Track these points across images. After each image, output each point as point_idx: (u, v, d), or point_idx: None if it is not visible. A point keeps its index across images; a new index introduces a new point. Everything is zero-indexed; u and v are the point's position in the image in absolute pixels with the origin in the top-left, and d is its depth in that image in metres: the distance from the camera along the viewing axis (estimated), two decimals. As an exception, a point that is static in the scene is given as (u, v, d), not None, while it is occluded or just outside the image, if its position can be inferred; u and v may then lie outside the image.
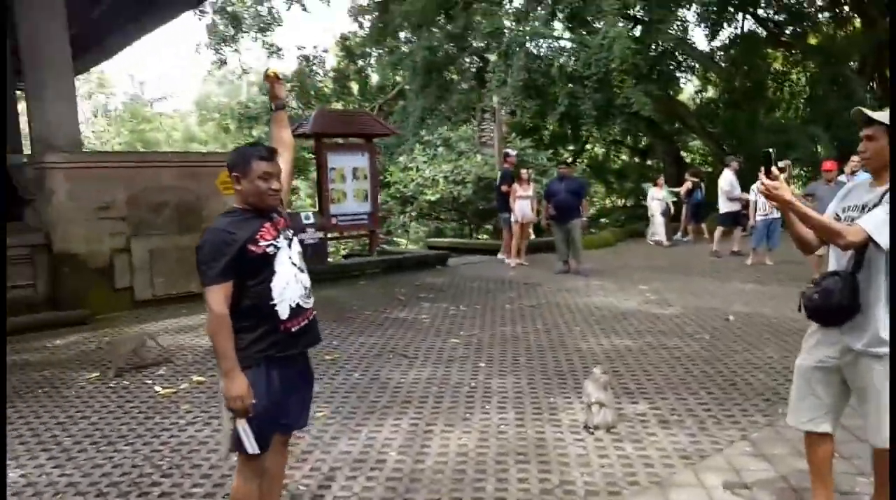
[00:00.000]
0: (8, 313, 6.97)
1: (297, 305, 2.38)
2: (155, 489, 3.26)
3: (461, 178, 13.18)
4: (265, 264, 2.31)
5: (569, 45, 16.21)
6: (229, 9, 23.45)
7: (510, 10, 17.34)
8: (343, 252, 12.75)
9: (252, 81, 24.04)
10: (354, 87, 25.57)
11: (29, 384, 5.09)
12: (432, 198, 13.60)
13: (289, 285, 2.35)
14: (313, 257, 8.74)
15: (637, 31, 15.96)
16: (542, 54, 16.68)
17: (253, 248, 2.28)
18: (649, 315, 7.02)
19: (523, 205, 10.52)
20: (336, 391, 4.71)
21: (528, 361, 5.38)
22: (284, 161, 2.61)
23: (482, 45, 18.41)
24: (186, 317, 7.41)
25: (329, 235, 10.36)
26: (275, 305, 2.32)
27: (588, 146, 23.01)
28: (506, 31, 16.63)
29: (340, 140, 10.67)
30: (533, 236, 12.12)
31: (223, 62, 24.34)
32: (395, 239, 15.55)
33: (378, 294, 8.63)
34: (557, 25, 17.18)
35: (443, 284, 9.33)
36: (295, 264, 2.41)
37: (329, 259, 10.24)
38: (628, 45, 12.80)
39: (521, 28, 16.36)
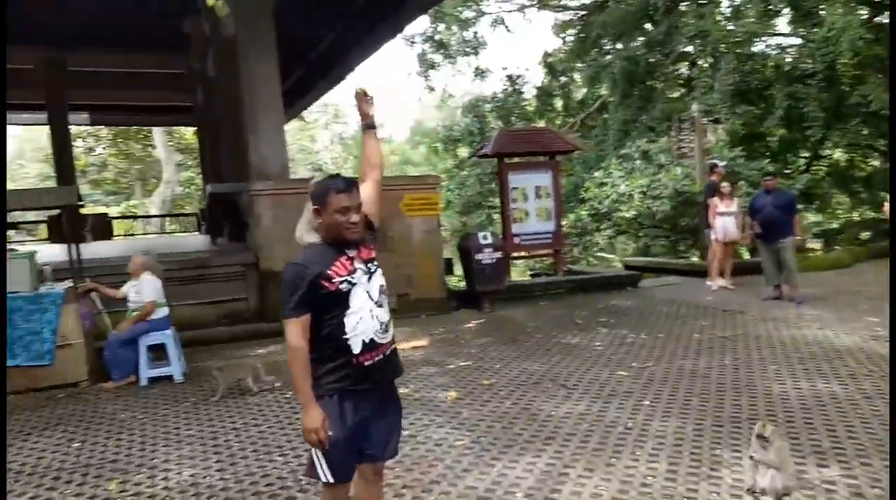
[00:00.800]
0: (225, 322, 7.99)
1: (371, 340, 2.36)
2: (286, 505, 3.42)
3: (658, 193, 12.34)
4: (338, 300, 2.31)
5: (787, 41, 14.45)
6: (437, 37, 24.85)
7: (720, 11, 15.94)
8: (530, 272, 12.63)
9: (456, 105, 25.05)
10: (558, 103, 25.49)
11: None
12: (628, 214, 12.92)
13: (363, 320, 2.34)
14: (491, 277, 8.75)
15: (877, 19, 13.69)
16: (754, 53, 15.08)
17: (325, 284, 2.29)
18: (872, 355, 5.86)
19: (726, 221, 9.51)
20: (483, 419, 4.59)
21: (701, 402, 4.78)
22: (372, 181, 2.67)
23: (687, 49, 17.21)
24: (370, 332, 7.84)
25: (512, 255, 10.32)
26: (348, 339, 2.32)
27: (828, 152, 20.09)
28: (714, 31, 15.35)
29: (523, 159, 10.60)
30: (747, 256, 10.86)
31: (432, 88, 25.85)
32: (589, 257, 15.04)
33: (556, 316, 8.36)
34: (776, 21, 15.43)
35: (628, 307, 8.76)
36: (372, 299, 2.39)
37: (509, 279, 10.17)
38: (860, 34, 11.02)
39: (731, 27, 14.96)
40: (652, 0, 18.73)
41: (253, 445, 4.29)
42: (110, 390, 5.71)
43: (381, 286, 2.45)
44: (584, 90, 24.97)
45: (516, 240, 10.14)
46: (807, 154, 18.62)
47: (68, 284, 6.02)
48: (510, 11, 25.59)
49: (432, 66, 25.34)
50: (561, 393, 5.15)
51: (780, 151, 18.50)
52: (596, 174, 15.11)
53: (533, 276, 11.83)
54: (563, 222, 15.31)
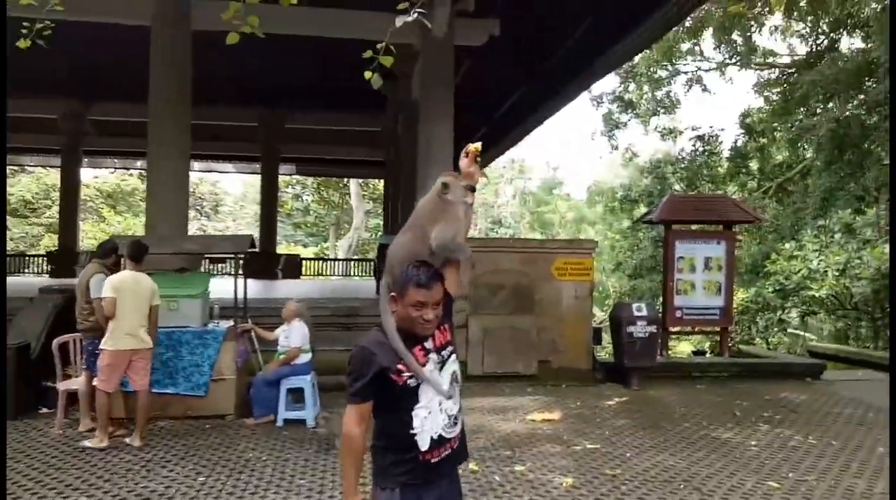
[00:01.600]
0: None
1: (440, 436, 2.22)
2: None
3: (858, 272, 10.77)
4: (406, 394, 2.18)
5: None
6: (626, 96, 24.42)
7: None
8: (692, 349, 11.59)
9: (638, 165, 24.29)
10: (753, 166, 23.68)
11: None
12: (819, 293, 11.42)
13: (431, 415, 2.21)
14: (641, 352, 8.17)
15: None
16: None
17: (393, 377, 2.16)
18: None
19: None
20: (592, 516, 4.21)
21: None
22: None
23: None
24: (507, 397, 7.65)
25: (671, 330, 9.58)
26: (414, 435, 2.19)
27: None
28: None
29: (693, 227, 9.87)
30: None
31: (615, 147, 25.36)
32: (770, 338, 13.47)
33: (711, 404, 7.54)
34: None
35: (800, 403, 7.65)
36: (442, 392, 2.24)
37: (666, 356, 9.42)
38: None
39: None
40: (874, 55, 16.89)
41: None
42: (250, 426, 6.15)
43: (454, 374, 2.29)
44: (785, 153, 23.01)
45: (678, 314, 9.41)
46: None
47: (230, 323, 6.64)
48: (708, 70, 24.48)
49: (618, 125, 24.93)
50: (693, 498, 4.58)
51: None
52: (786, 246, 13.62)
53: (695, 354, 10.84)
54: (743, 297, 14.00)
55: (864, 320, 12.49)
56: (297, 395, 6.38)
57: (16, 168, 29.92)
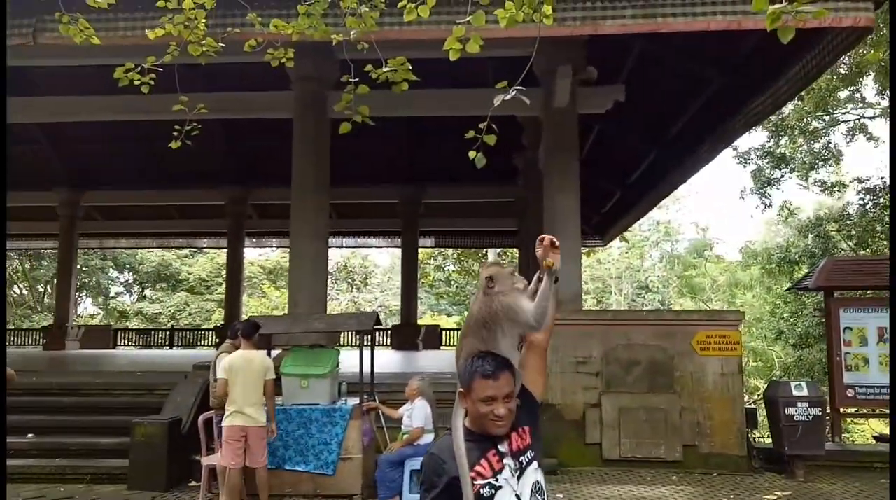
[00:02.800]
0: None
1: None
2: None
3: None
4: None
5: None
6: (777, 151, 22.77)
7: None
8: (874, 435, 10.00)
9: (798, 223, 22.27)
10: (939, 215, 20.88)
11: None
12: None
13: None
14: (804, 438, 7.19)
15: None
16: None
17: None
18: None
19: None
20: None
21: None
22: (538, 345, 2.18)
23: None
24: (648, 486, 7.03)
25: (841, 411, 8.40)
26: None
27: None
28: None
29: (859, 293, 8.73)
30: None
31: (768, 206, 23.54)
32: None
33: (897, 503, 6.40)
34: None
35: None
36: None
37: (840, 442, 8.22)
38: None
39: None
40: None
41: None
42: None
43: (536, 484, 2.04)
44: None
45: (849, 393, 8.25)
46: None
47: (356, 400, 6.76)
48: (873, 118, 22.30)
49: (770, 182, 23.23)
50: None
51: None
52: None
53: (877, 440, 9.34)
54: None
55: None
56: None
57: (195, 250, 33.64)
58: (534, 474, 2.04)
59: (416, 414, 6.29)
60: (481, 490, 1.94)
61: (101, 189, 18.55)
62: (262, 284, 36.48)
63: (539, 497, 2.04)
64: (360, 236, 24.88)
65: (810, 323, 17.31)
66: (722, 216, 59.86)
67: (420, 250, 24.25)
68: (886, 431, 10.34)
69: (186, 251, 34.10)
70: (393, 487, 6.22)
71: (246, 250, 21.79)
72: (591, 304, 35.35)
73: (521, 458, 2.03)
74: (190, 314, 33.25)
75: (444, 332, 22.99)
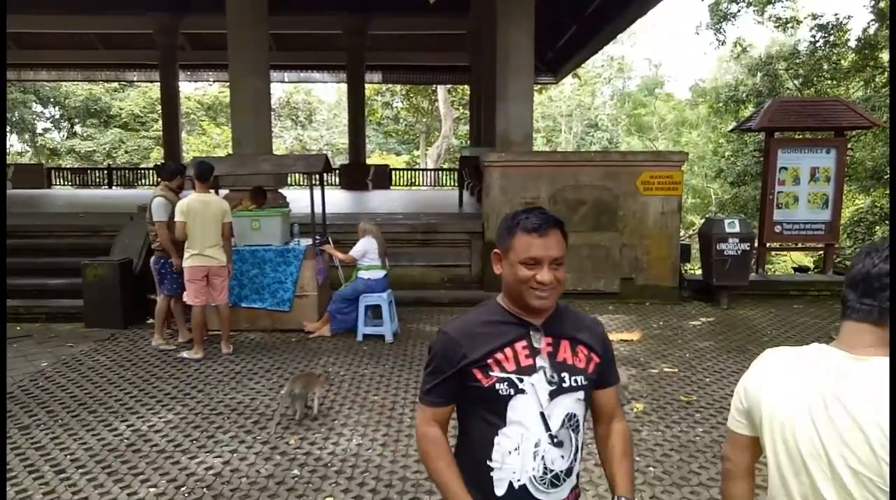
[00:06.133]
0: (448, 286, 8.39)
1: (524, 488, 1.54)
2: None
3: None
4: (492, 404, 1.54)
5: None
6: (735, -17, 22.05)
7: None
8: (793, 266, 10.85)
9: (750, 61, 22.17)
10: (884, 57, 21.09)
11: (423, 357, 6.01)
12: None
13: (519, 452, 1.54)
14: (732, 271, 7.75)
15: None
16: None
17: (478, 375, 1.54)
18: None
19: None
20: (660, 446, 4.14)
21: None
22: (618, 436, 1.71)
23: None
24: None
25: (769, 246, 9.00)
26: (491, 468, 1.56)
27: None
28: None
29: (798, 134, 8.99)
30: None
31: (722, 42, 23.19)
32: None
33: (806, 326, 7.13)
34: None
35: (910, 327, 7.08)
36: (546, 427, 1.54)
37: (763, 274, 8.88)
38: None
39: None
40: None
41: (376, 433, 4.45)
42: (311, 330, 6.48)
43: (571, 415, 1.57)
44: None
45: (777, 229, 8.78)
46: None
47: (309, 241, 6.84)
48: (832, -53, 21.51)
49: (726, 16, 22.70)
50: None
51: None
52: (914, 151, 12.26)
53: (796, 271, 10.15)
54: (860, 206, 12.87)
55: None
56: (376, 311, 6.58)
57: (124, 84, 31.49)
58: (575, 404, 1.58)
59: (355, 247, 6.41)
60: (497, 386, 1.52)
61: (13, 13, 16.74)
62: (202, 120, 34.92)
63: (572, 434, 1.57)
64: (303, 70, 23.64)
65: (749, 162, 17.92)
66: (676, 53, 59.05)
67: (367, 85, 23.35)
68: (806, 262, 11.25)
69: (115, 85, 31.90)
70: (346, 321, 6.52)
71: (181, 83, 20.52)
72: (541, 143, 35.45)
73: (564, 374, 1.57)
74: (126, 152, 31.92)
75: (393, 171, 22.91)
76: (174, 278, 6.10)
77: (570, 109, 37.56)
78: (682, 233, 14.84)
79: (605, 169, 8.22)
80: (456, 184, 16.74)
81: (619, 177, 8.14)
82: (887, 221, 11.76)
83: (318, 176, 7.08)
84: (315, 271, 6.70)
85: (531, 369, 1.55)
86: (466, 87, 24.57)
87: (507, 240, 1.59)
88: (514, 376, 1.53)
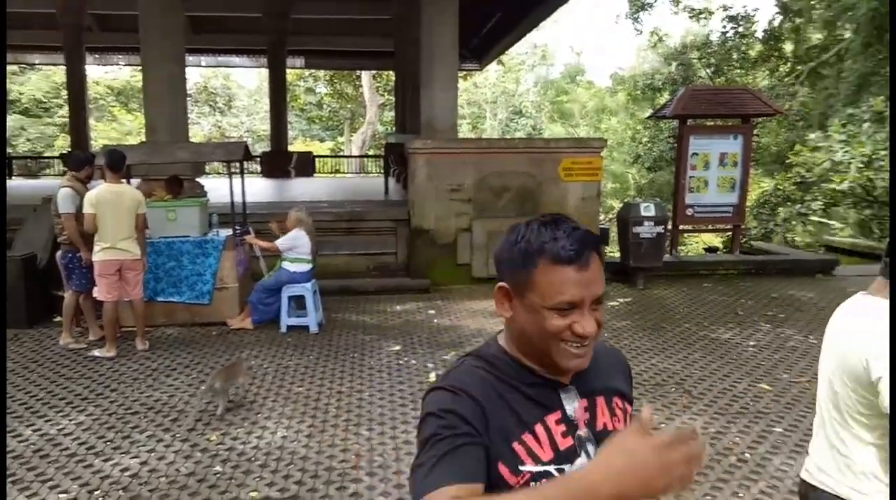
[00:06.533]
0: (374, 274, 8.37)
1: None
2: (240, 490, 3.51)
3: (883, 163, 10.33)
4: None
5: None
6: (653, -27, 22.76)
7: None
8: (704, 247, 11.44)
9: (666, 50, 23.00)
10: (787, 48, 22.35)
11: (349, 346, 5.99)
12: (840, 186, 11.04)
13: None
14: (647, 253, 8.08)
15: None
16: None
17: (504, 471, 1.06)
18: None
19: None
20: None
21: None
22: None
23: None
24: (511, 299, 7.69)
25: (682, 228, 9.41)
26: None
27: None
28: None
29: (710, 122, 9.43)
30: None
31: (639, 32, 24.00)
32: (787, 233, 13.24)
33: (715, 303, 7.53)
34: None
35: (807, 300, 7.61)
36: None
37: (677, 254, 9.30)
38: None
39: None
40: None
41: (348, 413, 4.46)
42: (231, 325, 6.33)
43: None
44: (821, 34, 21.59)
45: (689, 212, 9.19)
46: None
47: (229, 232, 6.64)
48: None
49: (643, 6, 23.45)
50: (682, 401, 4.65)
51: None
52: (812, 136, 13.08)
53: (706, 251, 10.69)
54: (764, 189, 13.65)
55: (885, 213, 12.18)
56: (299, 302, 6.48)
57: (25, 67, 29.48)
58: None
59: (283, 237, 6.28)
60: (531, 484, 1.06)
61: None
62: (112, 106, 33.14)
63: None
64: (222, 54, 22.81)
65: (664, 148, 18.64)
66: (597, 41, 60.56)
67: (289, 70, 22.79)
68: (716, 243, 11.84)
69: (16, 68, 29.82)
70: (268, 311, 6.39)
71: (89, 67, 19.42)
72: (467, 129, 35.66)
73: (604, 432, 1.15)
74: (28, 140, 29.95)
75: (317, 158, 22.51)
76: (83, 273, 5.79)
77: (495, 96, 37.91)
78: (602, 217, 15.34)
79: (529, 156, 8.37)
80: (382, 171, 16.62)
81: (543, 163, 8.31)
82: (789, 203, 12.53)
83: (237, 164, 6.88)
84: (235, 263, 6.52)
85: (572, 454, 1.11)
86: (392, 72, 24.43)
87: (521, 272, 1.08)
88: (553, 468, 1.08)
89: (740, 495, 3.39)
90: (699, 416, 4.40)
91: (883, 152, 10.38)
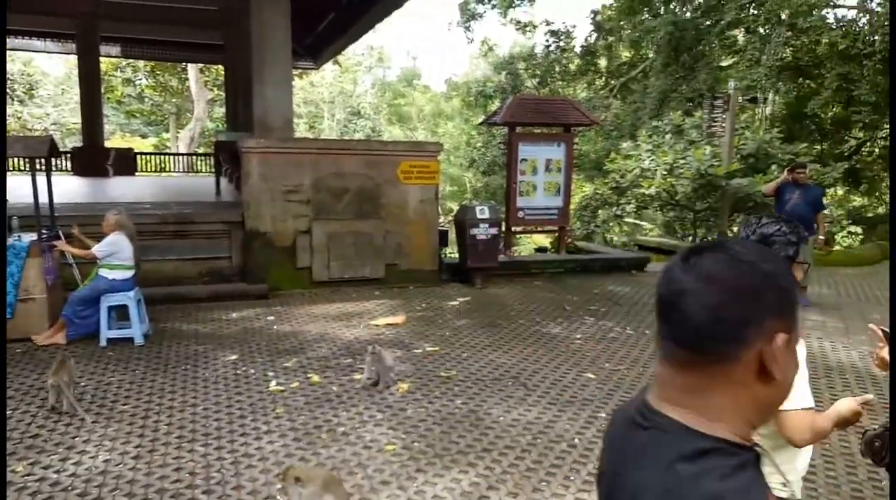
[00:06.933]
0: (206, 281, 7.90)
1: None
2: (182, 507, 3.28)
3: (682, 171, 11.71)
4: None
5: (848, 14, 13.40)
6: (482, -15, 23.77)
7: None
8: (535, 247, 12.23)
9: (496, 59, 24.19)
10: (602, 63, 24.45)
11: (180, 358, 5.60)
12: (649, 191, 12.34)
13: None
14: (484, 253, 8.45)
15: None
16: (809, 27, 14.05)
17: None
18: (864, 376, 5.46)
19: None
20: (424, 420, 4.38)
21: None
22: None
23: (737, 17, 16.17)
24: (353, 302, 7.65)
25: (514, 230, 9.95)
26: None
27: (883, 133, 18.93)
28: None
29: (536, 130, 10.07)
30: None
31: (471, 40, 24.97)
32: (606, 233, 14.52)
33: (545, 300, 8.05)
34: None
35: (623, 295, 8.38)
36: None
37: (510, 255, 9.82)
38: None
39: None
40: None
41: (180, 429, 4.16)
42: (39, 344, 5.67)
43: None
44: (629, 53, 23.91)
45: (520, 214, 9.74)
46: (860, 135, 17.56)
47: (34, 236, 5.92)
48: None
49: (474, 16, 24.44)
50: (518, 394, 4.91)
51: (827, 132, 17.46)
52: (624, 145, 14.44)
53: (537, 251, 11.43)
54: (585, 194, 14.83)
55: (686, 215, 13.78)
56: (122, 312, 5.94)
57: None
58: None
59: (101, 243, 5.74)
60: None
61: None
62: None
63: None
64: (21, 36, 20.23)
65: (497, 153, 19.56)
66: (432, 47, 62.06)
67: (104, 59, 20.80)
68: (545, 243, 12.67)
69: None
70: (86, 325, 5.80)
71: None
72: (304, 129, 34.87)
73: None
74: None
75: (139, 156, 20.78)
76: None
77: (333, 96, 37.48)
78: (441, 219, 15.76)
79: (367, 158, 8.37)
80: (212, 170, 15.73)
81: (381, 166, 8.34)
82: (607, 206, 13.71)
83: (43, 160, 6.14)
84: (42, 271, 5.82)
85: None
86: (221, 67, 23.16)
87: (790, 305, 0.85)
88: None
89: (571, 478, 3.64)
90: (534, 407, 4.67)
91: (682, 161, 11.71)
